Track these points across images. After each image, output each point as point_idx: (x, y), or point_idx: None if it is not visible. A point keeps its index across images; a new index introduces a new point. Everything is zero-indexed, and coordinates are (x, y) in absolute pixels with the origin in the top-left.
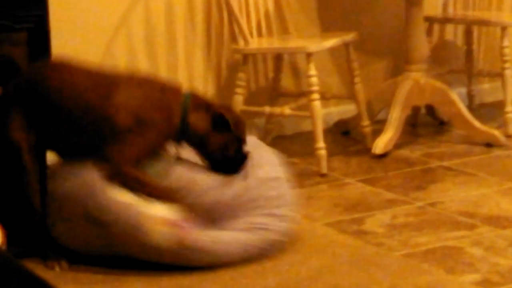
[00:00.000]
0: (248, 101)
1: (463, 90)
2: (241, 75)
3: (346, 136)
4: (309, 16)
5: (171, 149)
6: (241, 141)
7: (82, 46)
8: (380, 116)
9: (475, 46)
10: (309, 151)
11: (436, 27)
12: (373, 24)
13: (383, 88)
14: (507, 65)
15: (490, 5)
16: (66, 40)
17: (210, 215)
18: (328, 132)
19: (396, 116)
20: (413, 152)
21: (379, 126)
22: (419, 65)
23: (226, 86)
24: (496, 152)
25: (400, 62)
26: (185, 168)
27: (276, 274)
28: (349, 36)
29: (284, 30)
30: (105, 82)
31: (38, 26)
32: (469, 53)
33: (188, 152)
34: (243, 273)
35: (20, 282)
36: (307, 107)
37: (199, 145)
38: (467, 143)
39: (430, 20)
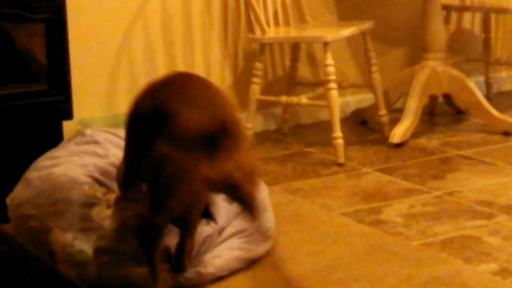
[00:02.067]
0: (265, 90)
1: (481, 78)
2: (258, 64)
3: (363, 125)
4: (326, 5)
5: None
6: None
7: (99, 37)
8: (398, 105)
9: (492, 34)
10: (326, 140)
11: (453, 15)
12: (390, 12)
13: (400, 77)
14: None
15: None
16: (83, 31)
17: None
18: (345, 121)
19: (413, 105)
20: (430, 141)
21: (396, 115)
22: (436, 54)
23: (243, 76)
24: None
25: (417, 51)
26: None
27: (294, 264)
28: (366, 25)
29: (301, 19)
30: None
31: (55, 16)
32: (486, 41)
33: None
34: (261, 264)
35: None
36: (324, 96)
37: None
38: (485, 132)
39: (447, 8)
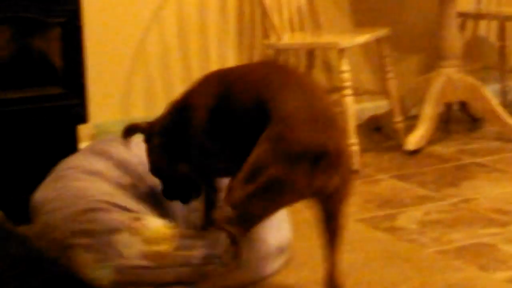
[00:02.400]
0: None
1: (496, 86)
2: None
3: (379, 132)
4: (342, 11)
5: None
6: None
7: (115, 41)
8: (413, 112)
9: (508, 42)
10: None
11: (469, 23)
12: (406, 19)
13: (415, 84)
14: None
15: None
16: (99, 35)
17: None
18: (360, 128)
19: (428, 112)
20: (446, 149)
21: (411, 122)
22: (452, 61)
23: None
24: None
25: (433, 58)
26: None
27: (308, 270)
28: (382, 32)
29: (317, 26)
30: None
31: (71, 20)
32: (502, 49)
33: None
34: (275, 269)
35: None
36: (339, 102)
37: None
38: (500, 139)
39: (463, 15)
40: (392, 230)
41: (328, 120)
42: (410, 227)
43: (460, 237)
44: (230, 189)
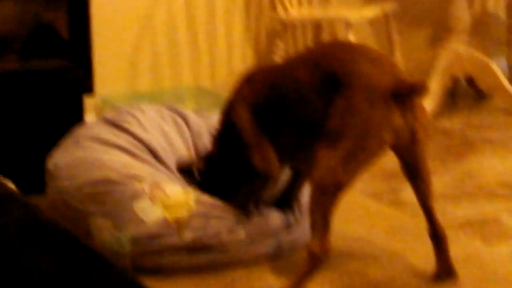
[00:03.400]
0: None
1: (504, 61)
2: (280, 44)
3: None
4: None
5: None
6: None
7: (121, 14)
8: None
9: None
10: None
11: None
12: None
13: (423, 59)
14: None
15: None
16: (105, 7)
17: None
18: None
19: (435, 87)
20: (452, 124)
21: None
22: (459, 36)
23: (264, 55)
24: None
25: (440, 33)
26: None
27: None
28: (389, 7)
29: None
30: None
31: None
32: (510, 25)
33: None
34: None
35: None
36: None
37: None
38: (507, 114)
39: None
40: (397, 204)
41: (393, 65)
42: (415, 201)
43: (465, 211)
44: (313, 162)
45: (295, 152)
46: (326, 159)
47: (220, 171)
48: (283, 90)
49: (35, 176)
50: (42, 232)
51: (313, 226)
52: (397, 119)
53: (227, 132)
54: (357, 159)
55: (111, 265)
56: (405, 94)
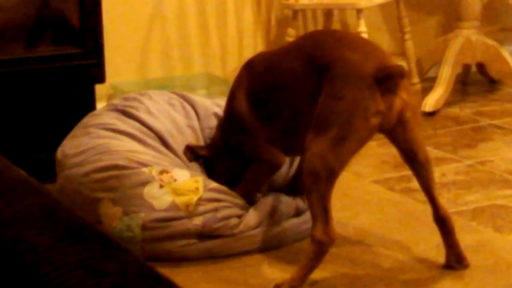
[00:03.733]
0: None
1: None
2: (290, 30)
3: None
4: None
5: None
6: None
7: (132, 1)
8: (430, 73)
9: None
10: None
11: None
12: None
13: (433, 45)
14: None
15: None
16: None
17: None
18: None
19: (446, 74)
20: (463, 110)
21: (429, 84)
22: (470, 22)
23: (275, 42)
24: None
25: (451, 19)
26: None
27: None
28: None
29: None
30: None
31: None
32: None
33: None
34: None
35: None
36: None
37: None
38: None
39: None
40: (408, 191)
41: (377, 50)
42: None
43: (476, 198)
44: (306, 152)
45: (293, 139)
46: (316, 146)
47: (224, 159)
48: (277, 78)
49: (46, 166)
50: (55, 218)
51: (313, 214)
52: (383, 102)
53: (229, 120)
54: (346, 144)
55: (126, 251)
56: (389, 77)
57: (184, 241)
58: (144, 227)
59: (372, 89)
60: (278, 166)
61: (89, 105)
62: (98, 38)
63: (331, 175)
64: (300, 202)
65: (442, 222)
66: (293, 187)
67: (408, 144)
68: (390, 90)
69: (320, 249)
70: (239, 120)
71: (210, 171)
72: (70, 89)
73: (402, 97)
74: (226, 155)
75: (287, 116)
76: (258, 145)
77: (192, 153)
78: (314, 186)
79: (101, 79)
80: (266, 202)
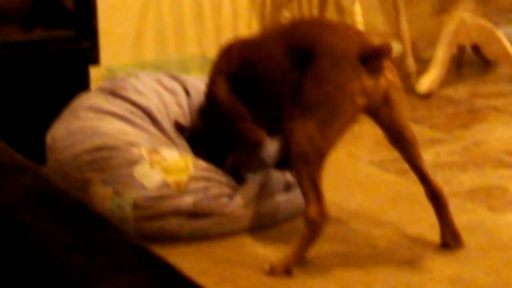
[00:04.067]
0: None
1: (510, 29)
2: (285, 13)
3: None
4: None
5: None
6: None
7: None
8: (425, 55)
9: None
10: None
11: None
12: None
13: (428, 27)
14: None
15: None
16: None
17: None
18: None
19: (441, 56)
20: (458, 92)
21: (424, 65)
22: (465, 4)
23: (270, 25)
24: None
25: (446, 1)
26: None
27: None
28: None
29: None
30: None
31: None
32: None
33: None
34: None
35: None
36: None
37: None
38: None
39: None
40: (402, 172)
41: (358, 33)
42: None
43: (470, 179)
44: (290, 133)
45: (275, 123)
46: (303, 129)
47: (207, 143)
48: (257, 64)
49: (40, 149)
50: (50, 200)
51: (305, 194)
52: (367, 82)
53: (210, 105)
54: (333, 125)
55: (120, 231)
56: (372, 57)
57: (176, 220)
58: (135, 206)
59: (357, 69)
60: (260, 144)
61: (84, 88)
62: (92, 20)
63: (320, 156)
64: (289, 176)
65: (436, 198)
66: (281, 162)
67: (394, 124)
68: (375, 69)
69: (314, 229)
70: (219, 105)
71: (197, 153)
72: (65, 72)
73: (387, 77)
74: (207, 139)
75: (269, 103)
76: (240, 128)
77: (179, 130)
78: (304, 168)
79: (95, 61)
80: (255, 179)
